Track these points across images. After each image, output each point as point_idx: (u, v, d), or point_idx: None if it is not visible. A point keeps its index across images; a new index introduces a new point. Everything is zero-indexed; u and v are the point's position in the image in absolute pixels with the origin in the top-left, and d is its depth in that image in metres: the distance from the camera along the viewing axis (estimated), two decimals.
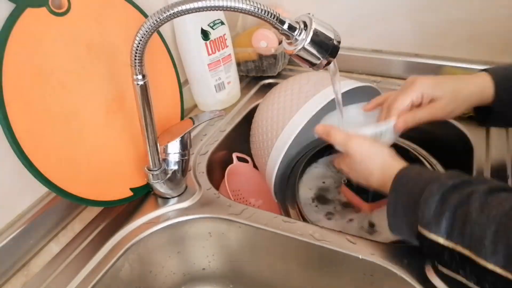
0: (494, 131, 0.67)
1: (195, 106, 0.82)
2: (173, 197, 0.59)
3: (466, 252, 0.37)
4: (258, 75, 0.88)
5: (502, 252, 0.34)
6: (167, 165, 0.56)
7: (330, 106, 0.61)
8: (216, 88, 0.77)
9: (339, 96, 0.54)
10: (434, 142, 0.73)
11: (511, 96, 0.52)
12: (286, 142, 0.61)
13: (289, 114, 0.63)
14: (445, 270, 0.42)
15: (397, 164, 0.47)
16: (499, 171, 0.58)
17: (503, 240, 0.35)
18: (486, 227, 0.36)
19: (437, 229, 0.39)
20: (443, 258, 0.40)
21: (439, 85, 0.54)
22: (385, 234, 0.58)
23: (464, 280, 0.40)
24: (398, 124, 0.54)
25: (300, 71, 0.89)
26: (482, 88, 0.53)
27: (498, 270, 0.35)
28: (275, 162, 0.62)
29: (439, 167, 0.71)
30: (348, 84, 0.64)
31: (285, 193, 0.66)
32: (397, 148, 0.59)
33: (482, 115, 0.56)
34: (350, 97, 0.62)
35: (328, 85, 0.63)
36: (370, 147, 0.50)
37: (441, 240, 0.39)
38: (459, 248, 0.38)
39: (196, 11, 0.39)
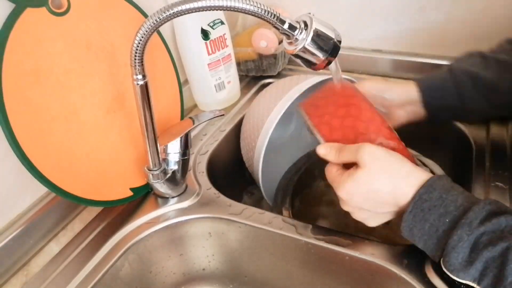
0: (494, 130, 0.67)
1: (195, 106, 0.82)
2: (173, 197, 0.59)
3: None
4: (258, 74, 0.88)
5: None
6: (167, 165, 0.56)
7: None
8: (216, 88, 0.77)
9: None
10: (434, 142, 0.73)
11: (436, 100, 0.59)
12: (264, 141, 0.62)
13: (267, 112, 0.65)
14: None
15: (420, 173, 0.42)
16: (499, 171, 0.58)
17: None
18: None
19: (465, 276, 0.38)
20: None
21: (386, 86, 0.60)
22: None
23: None
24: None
25: (300, 71, 0.89)
26: (408, 93, 0.60)
27: None
28: (258, 163, 0.63)
29: (437, 168, 0.71)
30: (311, 80, 0.65)
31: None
32: None
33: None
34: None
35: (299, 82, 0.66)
36: (386, 153, 0.44)
37: (471, 283, 0.38)
38: None
39: (196, 11, 0.39)
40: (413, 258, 0.47)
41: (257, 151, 0.64)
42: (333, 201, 0.70)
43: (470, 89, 0.57)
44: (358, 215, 0.46)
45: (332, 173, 0.46)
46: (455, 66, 0.60)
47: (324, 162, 0.48)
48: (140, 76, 0.46)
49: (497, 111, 0.61)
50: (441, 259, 0.40)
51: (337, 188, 0.45)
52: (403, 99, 0.60)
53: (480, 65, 0.58)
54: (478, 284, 0.37)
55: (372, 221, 0.46)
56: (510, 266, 0.35)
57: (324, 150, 0.47)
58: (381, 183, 0.42)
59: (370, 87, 0.59)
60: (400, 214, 0.43)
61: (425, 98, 0.59)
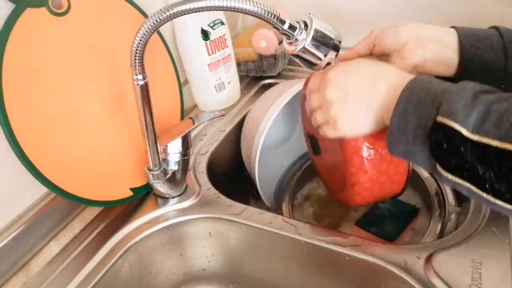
0: None
1: (195, 106, 0.82)
2: (173, 197, 0.59)
3: (496, 143, 0.32)
4: (258, 75, 0.88)
5: None
6: (167, 165, 0.56)
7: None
8: (216, 88, 0.77)
9: None
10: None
11: (476, 50, 0.49)
12: (260, 139, 0.62)
13: (264, 110, 0.65)
14: (449, 176, 0.36)
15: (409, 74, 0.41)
16: None
17: None
18: None
19: (464, 120, 0.33)
20: (457, 155, 0.34)
21: (399, 31, 0.51)
22: None
23: (470, 187, 0.34)
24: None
25: (300, 71, 0.89)
26: (446, 37, 0.50)
27: None
28: (255, 160, 0.63)
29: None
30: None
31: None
32: None
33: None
34: None
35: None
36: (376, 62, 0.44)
37: (464, 132, 0.33)
38: (486, 140, 0.32)
39: (196, 11, 0.39)
40: (413, 258, 0.47)
41: (254, 150, 0.64)
42: (332, 201, 0.70)
43: None
44: (336, 103, 0.43)
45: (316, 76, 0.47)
46: (501, 28, 0.50)
47: None
48: (140, 76, 0.46)
49: None
50: (437, 114, 0.35)
51: (328, 68, 0.45)
52: (434, 34, 0.50)
53: None
54: (477, 129, 0.33)
55: (346, 118, 0.43)
56: None
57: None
58: (366, 67, 0.43)
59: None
60: (376, 117, 0.42)
61: (463, 43, 0.49)
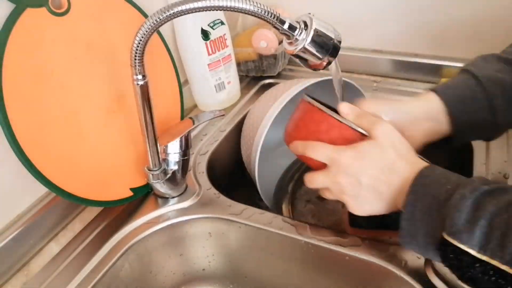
0: None
1: (195, 106, 0.82)
2: (173, 197, 0.59)
3: (505, 267, 0.32)
4: (258, 75, 0.88)
5: None
6: (167, 165, 0.56)
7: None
8: (216, 88, 0.77)
9: (342, 97, 0.54)
10: (434, 142, 0.73)
11: (467, 115, 0.49)
12: (260, 139, 0.62)
13: (266, 109, 0.65)
14: (465, 286, 0.37)
15: (422, 161, 0.41)
16: (499, 172, 0.58)
17: None
18: None
19: (469, 240, 0.34)
20: (470, 272, 0.35)
21: (380, 106, 0.49)
22: None
23: None
24: None
25: (300, 71, 0.89)
26: (431, 113, 0.50)
27: None
28: (255, 160, 0.63)
29: None
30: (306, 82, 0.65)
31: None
32: None
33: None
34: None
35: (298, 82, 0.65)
36: (399, 135, 0.43)
37: (473, 252, 0.34)
38: (495, 263, 0.33)
39: (196, 11, 0.39)
40: (413, 258, 0.47)
41: (254, 150, 0.64)
42: (330, 200, 0.70)
43: (500, 99, 0.49)
44: (348, 191, 0.43)
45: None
46: (477, 72, 0.51)
47: None
48: (140, 76, 0.46)
49: None
50: (443, 230, 0.36)
51: (339, 152, 0.43)
52: (421, 113, 0.50)
53: (504, 70, 0.51)
54: (483, 249, 0.33)
55: (359, 204, 0.43)
56: None
57: (347, 109, 0.45)
58: (380, 154, 0.41)
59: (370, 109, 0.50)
60: (389, 202, 0.42)
61: (451, 112, 0.49)
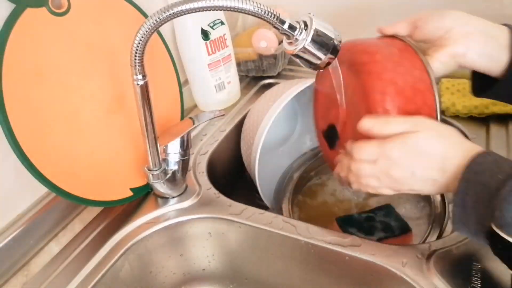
0: (494, 131, 0.67)
1: (195, 106, 0.82)
2: (173, 197, 0.59)
3: None
4: (258, 75, 0.88)
5: None
6: (167, 165, 0.56)
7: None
8: (216, 88, 0.77)
9: (341, 96, 0.54)
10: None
11: None
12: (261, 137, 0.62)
13: (266, 108, 0.65)
14: None
15: (473, 147, 0.41)
16: None
17: None
18: None
19: None
20: None
21: (445, 15, 0.47)
22: None
23: None
24: None
25: (300, 71, 0.89)
26: (495, 29, 0.47)
27: None
28: (255, 159, 0.63)
29: None
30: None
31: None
32: None
33: (480, 83, 0.49)
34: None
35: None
36: (439, 125, 0.43)
37: None
38: None
39: (196, 11, 0.39)
40: (413, 258, 0.47)
41: (254, 150, 0.64)
42: (329, 200, 0.70)
43: None
44: (400, 184, 0.43)
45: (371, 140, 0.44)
46: None
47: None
48: (140, 76, 0.46)
49: None
50: (492, 220, 0.35)
51: (383, 144, 0.43)
52: (482, 27, 0.46)
53: None
54: None
55: (410, 190, 0.44)
56: None
57: (369, 124, 0.44)
58: (431, 145, 0.41)
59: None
60: (442, 187, 0.42)
61: None
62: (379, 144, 0.43)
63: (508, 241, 0.34)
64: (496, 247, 0.36)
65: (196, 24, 0.71)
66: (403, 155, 0.42)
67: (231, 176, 0.75)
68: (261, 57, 0.85)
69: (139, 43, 0.43)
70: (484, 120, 0.69)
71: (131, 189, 0.58)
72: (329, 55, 0.45)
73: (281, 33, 0.44)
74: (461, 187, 0.38)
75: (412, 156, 0.42)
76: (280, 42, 0.82)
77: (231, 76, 0.79)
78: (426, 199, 0.65)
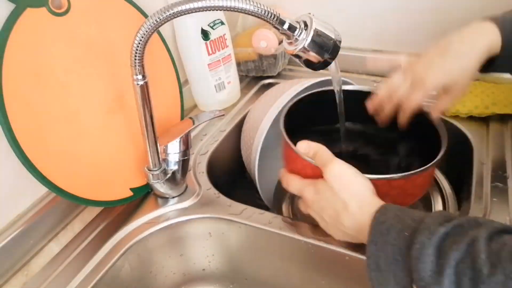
0: (494, 131, 0.67)
1: (195, 106, 0.82)
2: (173, 197, 0.59)
3: None
4: (258, 75, 0.88)
5: None
6: (167, 165, 0.56)
7: None
8: (216, 88, 0.77)
9: (341, 97, 0.54)
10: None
11: None
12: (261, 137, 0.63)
13: (266, 110, 0.65)
14: None
15: (376, 201, 0.43)
16: (499, 172, 0.58)
17: None
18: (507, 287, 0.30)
19: None
20: None
21: (447, 74, 0.50)
22: None
23: None
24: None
25: (300, 71, 0.89)
26: (489, 47, 0.50)
27: None
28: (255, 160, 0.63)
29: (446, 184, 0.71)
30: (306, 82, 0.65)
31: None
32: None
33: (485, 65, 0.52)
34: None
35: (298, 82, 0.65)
36: (352, 175, 0.45)
37: None
38: None
39: (196, 11, 0.39)
40: None
41: (254, 151, 0.64)
42: None
43: None
44: (319, 222, 0.48)
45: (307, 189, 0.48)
46: None
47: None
48: (140, 76, 0.46)
49: None
50: (412, 281, 0.36)
51: (304, 187, 0.48)
52: (485, 52, 0.50)
53: None
54: None
55: (332, 231, 0.48)
56: (481, 257, 0.32)
57: (304, 147, 0.48)
58: (337, 197, 0.44)
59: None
60: (358, 240, 0.44)
61: (504, 41, 0.50)
62: (300, 183, 0.49)
63: None
64: None
65: (196, 24, 0.71)
66: (314, 198, 0.47)
67: (231, 176, 0.75)
68: (261, 57, 0.85)
69: (139, 43, 0.43)
70: (484, 120, 0.69)
71: (131, 189, 0.58)
72: (329, 55, 0.45)
73: (281, 33, 0.44)
74: (371, 250, 0.39)
75: (319, 201, 0.46)
76: (280, 42, 0.82)
77: (231, 76, 0.79)
78: (426, 203, 0.65)
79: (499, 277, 0.30)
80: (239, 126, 0.75)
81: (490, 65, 0.52)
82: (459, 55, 0.50)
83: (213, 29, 0.73)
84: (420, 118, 0.54)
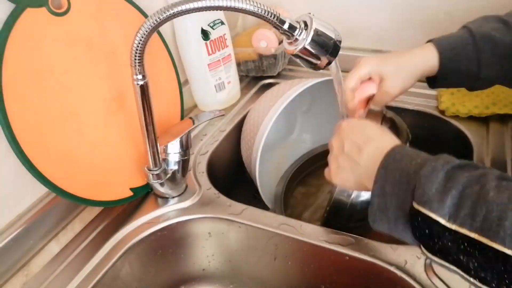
0: (494, 131, 0.67)
1: (195, 106, 0.82)
2: (173, 197, 0.59)
3: (474, 235, 0.32)
4: (258, 75, 0.88)
5: None
6: (167, 165, 0.56)
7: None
8: (216, 88, 0.77)
9: (342, 97, 0.54)
10: (434, 142, 0.73)
11: (454, 64, 0.54)
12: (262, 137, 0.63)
13: (266, 111, 0.65)
14: (435, 258, 0.36)
15: (394, 141, 0.43)
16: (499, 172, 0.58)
17: None
18: (508, 209, 0.30)
19: (440, 208, 0.33)
20: (439, 242, 0.34)
21: (382, 61, 0.56)
22: None
23: (456, 270, 0.34)
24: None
25: (300, 71, 0.89)
26: (426, 59, 0.55)
27: None
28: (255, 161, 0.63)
29: None
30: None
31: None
32: None
33: (430, 80, 0.59)
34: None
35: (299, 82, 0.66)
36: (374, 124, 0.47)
37: (442, 221, 0.33)
38: (464, 231, 0.32)
39: (196, 11, 0.39)
40: (413, 258, 0.47)
41: (254, 151, 0.64)
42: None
43: (488, 56, 0.53)
44: (333, 157, 0.47)
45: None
46: (474, 28, 0.55)
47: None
48: (140, 76, 0.46)
49: (508, 80, 0.56)
50: (413, 199, 0.35)
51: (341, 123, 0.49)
52: (420, 63, 0.56)
53: (501, 30, 0.54)
54: (453, 218, 0.33)
55: (341, 175, 0.46)
56: (490, 184, 0.32)
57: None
58: (366, 136, 0.45)
59: (367, 72, 0.58)
60: (362, 181, 0.43)
61: (441, 58, 0.55)
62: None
63: (430, 218, 0.34)
64: (417, 227, 0.35)
65: (196, 24, 0.71)
66: (345, 128, 0.48)
67: (231, 176, 0.75)
68: (261, 57, 0.85)
69: (139, 43, 0.43)
70: (484, 120, 0.69)
71: (131, 189, 0.58)
72: (329, 55, 0.45)
73: (281, 33, 0.44)
74: (380, 174, 0.39)
75: (349, 130, 0.47)
76: (280, 42, 0.82)
77: (231, 76, 0.79)
78: None
79: (502, 199, 0.31)
80: (239, 126, 0.75)
81: (433, 81, 0.57)
82: (400, 55, 0.57)
83: (213, 29, 0.73)
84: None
